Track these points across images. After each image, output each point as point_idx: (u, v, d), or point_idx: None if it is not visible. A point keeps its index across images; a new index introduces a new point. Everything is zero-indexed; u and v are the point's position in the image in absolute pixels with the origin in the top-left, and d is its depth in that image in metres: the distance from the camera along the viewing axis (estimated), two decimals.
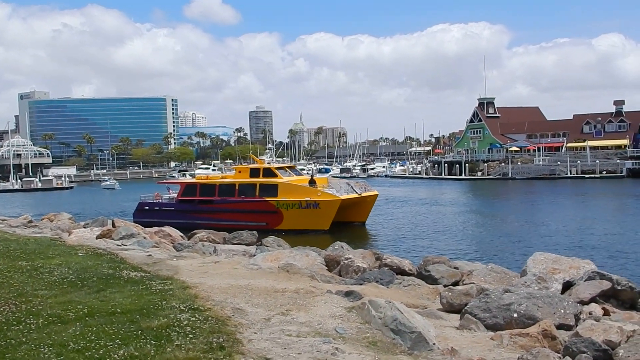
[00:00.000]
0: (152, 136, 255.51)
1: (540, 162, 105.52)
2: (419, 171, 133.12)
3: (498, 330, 9.54)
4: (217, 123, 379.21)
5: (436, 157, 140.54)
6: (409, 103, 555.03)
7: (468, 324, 10.02)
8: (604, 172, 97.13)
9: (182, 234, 26.88)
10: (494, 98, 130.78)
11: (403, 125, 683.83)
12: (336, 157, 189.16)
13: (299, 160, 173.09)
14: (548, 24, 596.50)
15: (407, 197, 69.84)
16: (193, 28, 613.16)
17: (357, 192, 41.10)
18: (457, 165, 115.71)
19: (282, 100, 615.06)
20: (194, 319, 8.65)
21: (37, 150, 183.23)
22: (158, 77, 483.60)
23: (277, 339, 7.96)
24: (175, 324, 8.30)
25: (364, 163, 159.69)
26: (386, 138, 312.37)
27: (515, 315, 10.15)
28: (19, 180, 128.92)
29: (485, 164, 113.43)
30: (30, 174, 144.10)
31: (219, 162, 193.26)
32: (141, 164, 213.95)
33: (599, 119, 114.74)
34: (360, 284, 14.50)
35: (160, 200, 46.69)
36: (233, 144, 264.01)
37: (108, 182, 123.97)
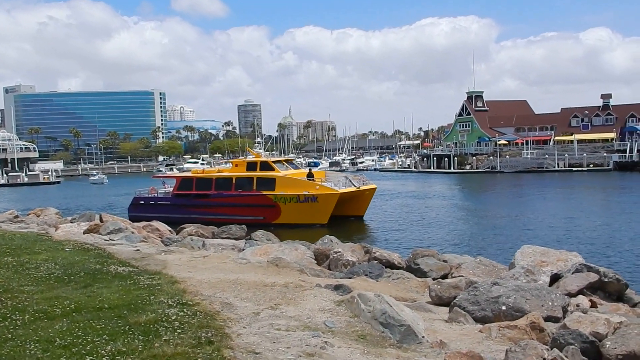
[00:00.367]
0: (140, 130, 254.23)
1: (528, 156, 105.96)
2: (408, 165, 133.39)
3: (487, 323, 9.57)
4: (206, 117, 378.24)
5: (425, 151, 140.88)
6: (398, 97, 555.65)
7: (457, 316, 10.04)
8: (591, 166, 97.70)
9: (170, 229, 26.74)
10: (482, 92, 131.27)
11: (392, 119, 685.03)
12: (325, 151, 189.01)
13: (288, 154, 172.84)
14: (536, 18, 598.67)
15: (396, 190, 69.95)
16: (181, 21, 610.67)
17: (355, 186, 40.83)
18: (446, 159, 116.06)
19: (271, 94, 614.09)
20: (182, 313, 8.59)
21: (23, 145, 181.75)
22: (146, 71, 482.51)
23: (266, 333, 7.93)
24: (164, 319, 8.23)
25: (353, 157, 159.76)
26: (375, 132, 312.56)
27: (503, 307, 10.18)
28: (5, 175, 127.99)
29: (474, 158, 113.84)
30: (17, 168, 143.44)
31: (207, 156, 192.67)
32: (129, 158, 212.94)
33: (587, 112, 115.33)
34: (350, 278, 14.50)
35: (156, 195, 46.25)
36: (222, 138, 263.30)
37: (96, 177, 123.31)
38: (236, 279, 11.66)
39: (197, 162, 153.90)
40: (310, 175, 41.58)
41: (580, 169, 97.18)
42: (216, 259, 15.47)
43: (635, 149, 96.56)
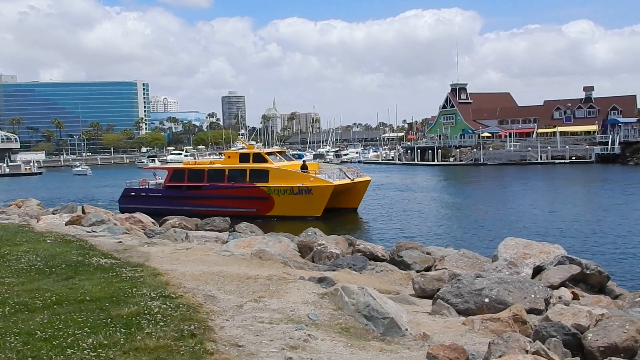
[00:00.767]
0: (123, 121, 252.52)
1: (512, 148, 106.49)
2: (392, 157, 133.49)
3: (470, 315, 9.59)
4: (189, 108, 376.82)
5: (409, 143, 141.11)
6: (382, 89, 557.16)
7: (440, 309, 10.06)
8: (574, 158, 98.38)
9: (153, 220, 26.57)
10: (466, 84, 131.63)
11: (376, 111, 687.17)
12: (309, 143, 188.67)
13: (272, 146, 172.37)
14: (519, 10, 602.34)
15: (380, 182, 70.00)
16: (164, 12, 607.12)
17: (349, 178, 40.56)
18: (430, 151, 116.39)
19: (255, 85, 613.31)
20: (164, 306, 8.54)
21: (5, 135, 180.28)
22: (128, 62, 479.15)
23: (249, 325, 7.90)
24: (146, 312, 8.18)
25: (337, 149, 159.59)
26: (359, 124, 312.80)
27: (486, 300, 10.22)
28: None
29: (458, 150, 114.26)
30: None
31: (191, 147, 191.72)
32: (112, 150, 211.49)
33: (569, 105, 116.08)
34: (333, 270, 14.49)
35: (147, 186, 45.78)
36: (206, 130, 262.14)
37: (80, 168, 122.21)
38: (219, 271, 11.61)
39: (181, 154, 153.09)
40: (304, 167, 41.14)
41: (562, 161, 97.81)
42: (199, 251, 15.40)
43: (617, 142, 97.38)
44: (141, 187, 45.84)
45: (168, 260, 13.48)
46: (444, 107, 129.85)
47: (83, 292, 9.49)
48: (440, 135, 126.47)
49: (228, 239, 20.00)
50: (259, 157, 41.16)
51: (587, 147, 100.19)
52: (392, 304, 8.82)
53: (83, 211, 25.00)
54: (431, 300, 10.92)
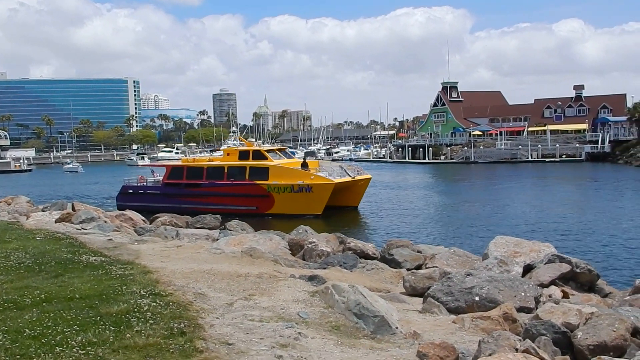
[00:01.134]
0: (114, 118, 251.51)
1: (502, 146, 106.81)
2: (383, 155, 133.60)
3: (460, 314, 9.61)
4: (180, 105, 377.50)
5: (400, 141, 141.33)
6: (373, 87, 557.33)
7: (430, 307, 10.07)
8: (564, 156, 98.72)
9: (144, 218, 26.47)
10: (457, 82, 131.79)
11: (367, 109, 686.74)
12: (301, 141, 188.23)
13: (263, 144, 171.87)
14: (509, 9, 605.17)
15: (371, 181, 69.93)
16: (155, 9, 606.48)
17: (350, 176, 40.29)
18: (421, 149, 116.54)
19: (246, 83, 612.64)
20: (154, 304, 8.50)
21: None
22: (119, 59, 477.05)
23: (239, 324, 7.88)
24: (136, 310, 8.15)
25: (328, 147, 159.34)
26: (351, 122, 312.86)
27: (477, 298, 10.24)
28: None
29: (449, 148, 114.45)
30: None
31: (182, 145, 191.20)
32: (102, 147, 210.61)
33: (559, 103, 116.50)
34: (324, 268, 14.48)
35: (145, 184, 45.43)
36: (197, 127, 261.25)
37: (71, 165, 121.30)
38: (210, 269, 11.58)
39: (172, 151, 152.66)
40: (304, 165, 40.67)
41: (553, 159, 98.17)
42: (190, 249, 15.36)
43: (607, 140, 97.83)
44: (139, 184, 45.43)
45: (158, 258, 13.43)
46: (435, 105, 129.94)
47: (72, 289, 9.44)
48: (431, 134, 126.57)
49: (219, 236, 19.95)
50: (258, 155, 40.67)
51: (577, 145, 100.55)
52: (382, 302, 8.82)
53: (73, 208, 24.90)
54: (422, 299, 10.93)
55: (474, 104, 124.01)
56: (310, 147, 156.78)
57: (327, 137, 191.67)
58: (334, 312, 8.64)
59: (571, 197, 49.04)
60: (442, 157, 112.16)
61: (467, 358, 6.99)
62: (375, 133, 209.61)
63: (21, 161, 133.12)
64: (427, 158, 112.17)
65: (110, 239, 16.46)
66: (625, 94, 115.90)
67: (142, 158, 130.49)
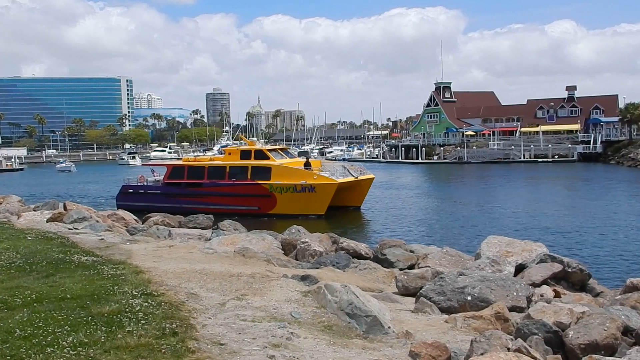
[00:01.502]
0: (106, 117, 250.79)
1: (495, 147, 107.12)
2: (377, 155, 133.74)
3: (452, 313, 9.63)
4: (174, 105, 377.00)
5: (393, 141, 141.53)
6: (366, 87, 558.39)
7: (423, 307, 10.08)
8: (556, 157, 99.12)
9: (136, 218, 26.37)
10: (450, 83, 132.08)
11: (361, 109, 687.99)
12: (294, 141, 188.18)
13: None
14: (502, 10, 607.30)
15: None
16: (148, 7, 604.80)
17: (353, 176, 39.98)
18: (414, 149, 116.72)
19: (239, 82, 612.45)
20: (146, 304, 8.47)
21: None
22: (112, 57, 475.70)
23: (231, 324, 7.86)
24: (127, 310, 8.11)
25: (321, 147, 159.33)
26: (344, 122, 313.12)
27: (469, 298, 10.26)
28: None
29: (442, 148, 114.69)
30: None
31: (175, 144, 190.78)
32: (95, 146, 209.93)
33: (552, 104, 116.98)
34: (317, 268, 14.47)
35: (145, 183, 45.00)
36: (190, 127, 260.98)
37: (64, 164, 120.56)
38: (202, 269, 11.56)
39: (165, 151, 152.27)
40: (307, 165, 40.16)
41: (545, 159, 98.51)
42: (182, 249, 15.33)
43: (599, 141, 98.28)
44: (139, 184, 44.94)
45: (150, 257, 13.38)
46: (428, 105, 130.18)
47: (64, 289, 9.39)
48: (424, 134, 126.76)
49: (211, 236, 19.88)
50: (260, 154, 40.21)
51: (569, 146, 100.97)
52: (375, 302, 8.82)
53: (65, 208, 24.78)
54: (414, 298, 10.94)
55: (467, 104, 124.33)
56: (303, 147, 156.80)
57: (321, 137, 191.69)
58: (327, 312, 8.63)
59: (563, 197, 49.19)
60: (435, 157, 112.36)
61: (460, 357, 7.00)
62: (368, 133, 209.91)
63: (12, 160, 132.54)
64: (420, 158, 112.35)
65: (102, 239, 16.39)
66: (617, 95, 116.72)
67: (134, 157, 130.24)
